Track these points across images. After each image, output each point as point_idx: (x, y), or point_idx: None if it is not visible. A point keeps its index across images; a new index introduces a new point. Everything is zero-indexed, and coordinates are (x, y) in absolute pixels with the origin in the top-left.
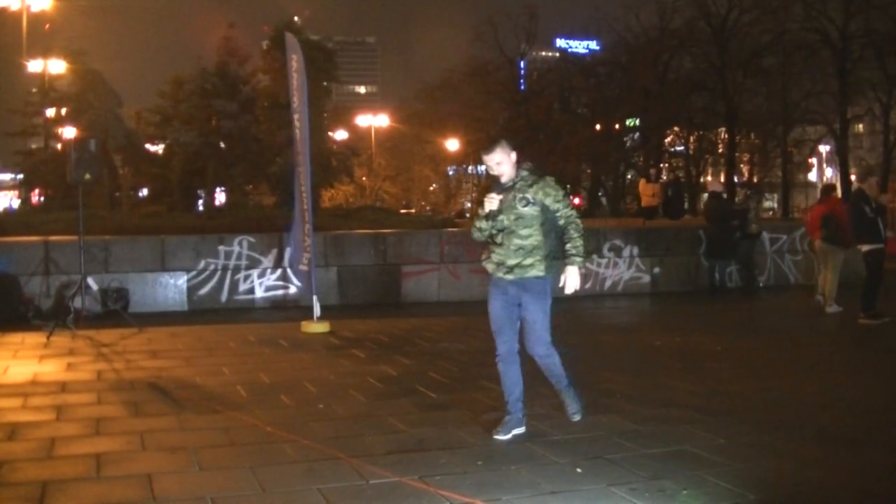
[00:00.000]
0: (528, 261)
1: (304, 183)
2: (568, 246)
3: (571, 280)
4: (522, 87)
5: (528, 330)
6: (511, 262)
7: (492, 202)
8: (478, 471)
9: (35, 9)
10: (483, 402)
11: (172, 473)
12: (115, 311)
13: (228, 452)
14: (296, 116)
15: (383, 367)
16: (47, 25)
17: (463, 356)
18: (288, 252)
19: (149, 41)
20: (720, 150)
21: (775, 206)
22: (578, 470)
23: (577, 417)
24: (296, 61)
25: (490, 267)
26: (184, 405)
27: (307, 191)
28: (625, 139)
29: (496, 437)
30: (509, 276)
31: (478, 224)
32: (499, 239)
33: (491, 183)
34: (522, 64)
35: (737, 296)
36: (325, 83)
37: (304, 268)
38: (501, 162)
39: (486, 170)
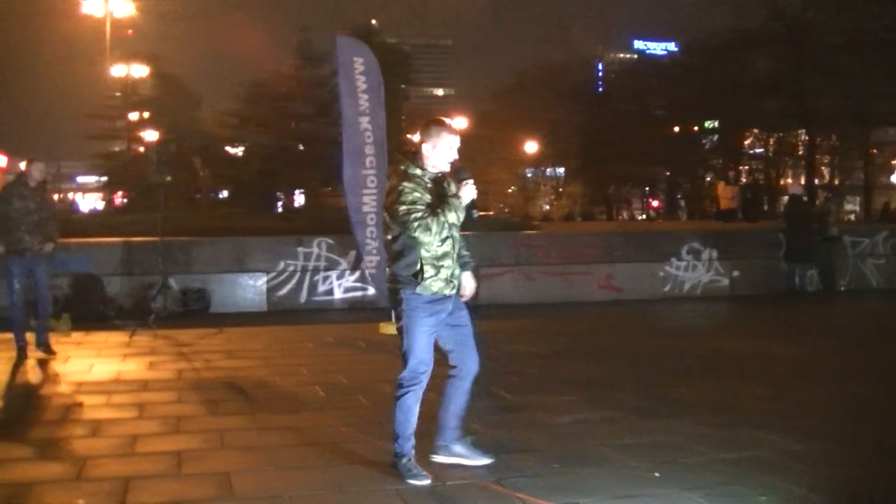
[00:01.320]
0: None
1: (365, 186)
2: (464, 252)
3: (471, 285)
4: (600, 89)
5: (470, 345)
6: (457, 273)
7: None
8: (553, 473)
9: (118, 15)
10: (557, 405)
11: (250, 472)
12: (195, 311)
13: (306, 452)
14: (364, 119)
15: None
16: (129, 31)
17: (537, 359)
18: (352, 254)
19: (227, 45)
20: (799, 153)
21: (857, 208)
22: (656, 474)
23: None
24: (361, 63)
25: (437, 286)
26: (262, 405)
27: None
28: (703, 141)
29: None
30: (453, 293)
31: (434, 226)
32: (448, 246)
33: (417, 173)
34: (600, 66)
35: (816, 300)
36: (402, 86)
37: (368, 270)
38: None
39: (426, 155)
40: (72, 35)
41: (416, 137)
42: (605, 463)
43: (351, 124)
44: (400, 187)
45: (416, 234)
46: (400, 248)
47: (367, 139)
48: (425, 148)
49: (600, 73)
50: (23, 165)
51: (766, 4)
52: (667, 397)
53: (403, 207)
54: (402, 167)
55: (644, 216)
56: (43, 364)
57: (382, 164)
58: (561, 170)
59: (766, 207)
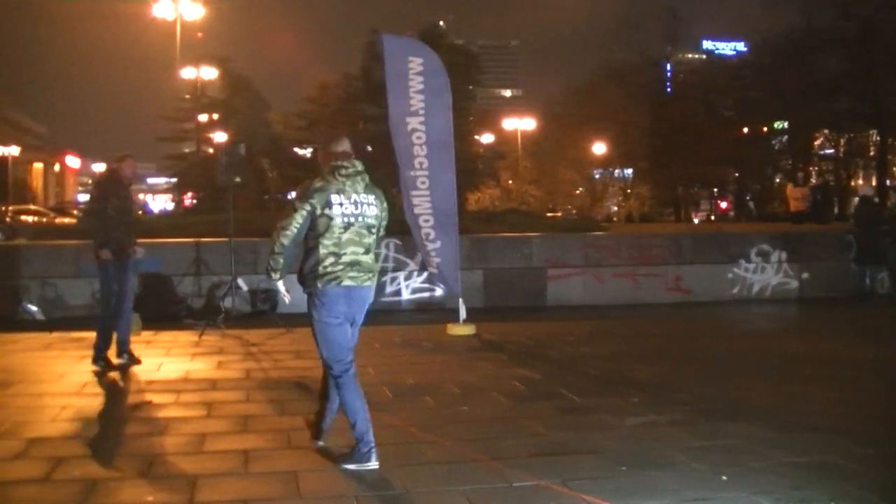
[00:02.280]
0: None
1: (415, 187)
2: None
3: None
4: (668, 90)
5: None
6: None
7: None
8: (620, 476)
9: (188, 18)
10: (624, 407)
11: (317, 471)
12: (263, 312)
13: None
14: (414, 120)
15: (526, 370)
16: (199, 34)
17: (605, 360)
18: (420, 255)
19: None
20: (870, 153)
21: None
22: (723, 478)
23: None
24: (419, 64)
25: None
26: None
27: (447, 194)
28: (772, 142)
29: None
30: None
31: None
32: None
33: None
34: (668, 66)
35: (887, 303)
36: (469, 87)
37: (431, 270)
38: None
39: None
40: (143, 39)
41: (483, 138)
42: (671, 466)
43: (396, 124)
44: None
45: None
46: None
47: (415, 140)
48: None
49: (668, 74)
50: (100, 164)
51: (835, 4)
52: (734, 400)
53: None
54: None
55: (710, 217)
56: (114, 364)
57: (437, 167)
58: (629, 171)
59: (836, 209)
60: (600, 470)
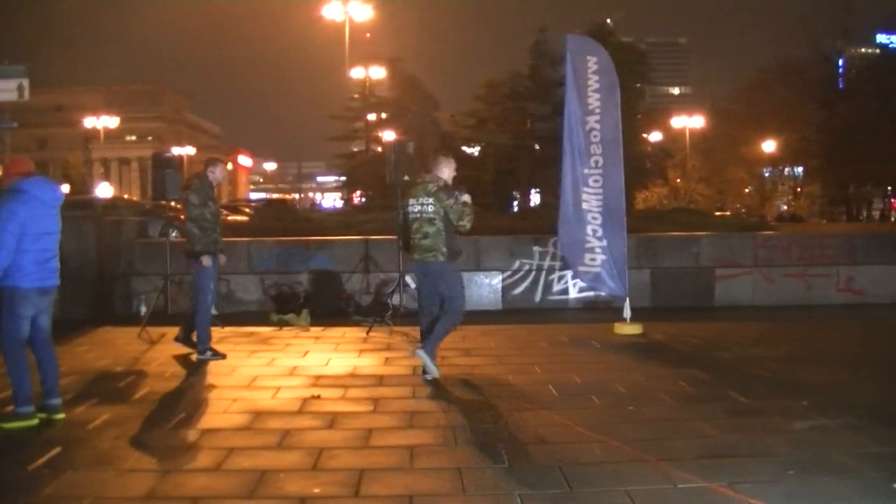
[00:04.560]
0: None
1: (587, 184)
2: None
3: None
4: (840, 86)
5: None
6: None
7: None
8: (788, 480)
9: (357, 19)
10: (794, 410)
11: (482, 468)
12: None
13: (538, 450)
14: (592, 119)
15: (693, 371)
16: (367, 34)
17: (774, 362)
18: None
19: (463, 46)
20: None
21: None
22: (895, 486)
23: None
24: (595, 63)
25: None
26: (495, 402)
27: (617, 192)
28: None
29: None
30: None
31: None
32: None
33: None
34: (841, 61)
35: None
36: (637, 85)
37: (585, 269)
38: None
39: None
40: (312, 41)
41: (652, 137)
42: (843, 472)
43: (578, 123)
44: None
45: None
46: None
47: (593, 138)
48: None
49: (840, 70)
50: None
51: None
52: None
53: None
54: None
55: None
56: (281, 358)
57: (611, 164)
58: (799, 169)
59: None
60: (768, 474)
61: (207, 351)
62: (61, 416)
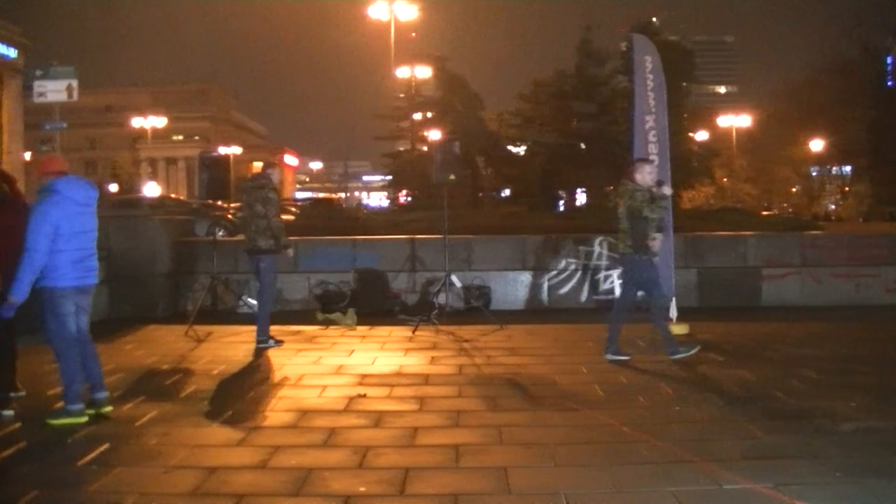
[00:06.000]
0: None
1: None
2: None
3: None
4: (889, 84)
5: None
6: None
7: None
8: (836, 482)
9: (402, 19)
10: (842, 411)
11: (528, 468)
12: (476, 308)
13: (584, 450)
14: (650, 118)
15: (741, 371)
16: (413, 34)
17: (823, 363)
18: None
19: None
20: None
21: None
22: None
23: None
24: (650, 62)
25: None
26: (541, 402)
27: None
28: None
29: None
30: None
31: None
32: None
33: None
34: (889, 59)
35: None
36: (683, 84)
37: None
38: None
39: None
40: (358, 41)
41: (698, 136)
42: (892, 474)
43: (639, 123)
44: None
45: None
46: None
47: (651, 138)
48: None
49: (889, 68)
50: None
51: None
52: None
53: None
54: None
55: None
56: (327, 357)
57: (663, 163)
58: (847, 168)
59: None
60: (815, 475)
61: (270, 340)
62: (109, 408)
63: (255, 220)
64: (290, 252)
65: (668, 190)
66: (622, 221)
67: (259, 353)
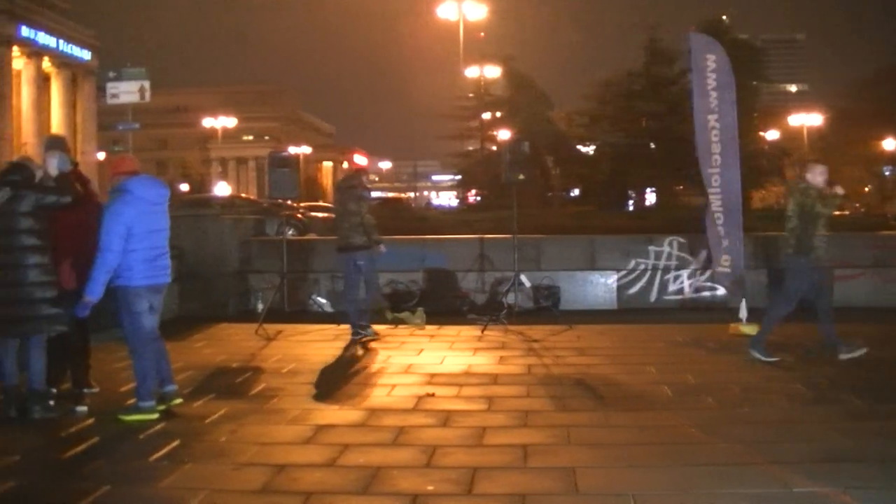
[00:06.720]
0: None
1: (710, 184)
2: None
3: None
4: None
5: None
6: None
7: None
8: None
9: (471, 18)
10: None
11: (596, 468)
12: (545, 308)
13: (651, 451)
14: (713, 118)
15: (810, 373)
16: (482, 34)
17: (892, 365)
18: (703, 253)
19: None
20: None
21: None
22: None
23: None
24: (713, 61)
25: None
26: (609, 402)
27: (734, 192)
28: None
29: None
30: None
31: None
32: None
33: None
34: None
35: None
36: (753, 82)
37: (722, 269)
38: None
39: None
40: (427, 40)
41: (769, 135)
42: None
43: (700, 122)
44: None
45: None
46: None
47: (713, 137)
48: None
49: None
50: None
51: None
52: None
53: None
54: None
55: None
56: (396, 356)
57: (729, 163)
58: None
59: None
60: (885, 479)
61: (369, 329)
62: (179, 400)
63: (349, 217)
64: (383, 248)
65: (840, 190)
66: (790, 220)
67: (328, 352)
